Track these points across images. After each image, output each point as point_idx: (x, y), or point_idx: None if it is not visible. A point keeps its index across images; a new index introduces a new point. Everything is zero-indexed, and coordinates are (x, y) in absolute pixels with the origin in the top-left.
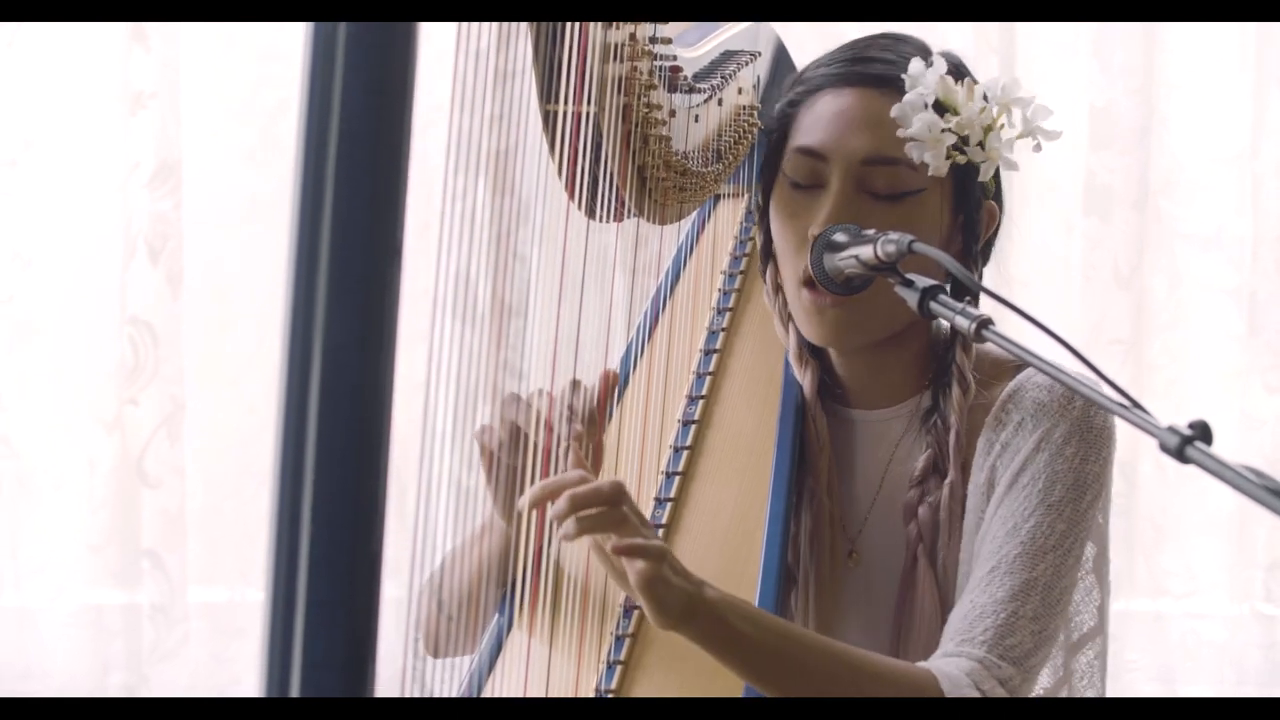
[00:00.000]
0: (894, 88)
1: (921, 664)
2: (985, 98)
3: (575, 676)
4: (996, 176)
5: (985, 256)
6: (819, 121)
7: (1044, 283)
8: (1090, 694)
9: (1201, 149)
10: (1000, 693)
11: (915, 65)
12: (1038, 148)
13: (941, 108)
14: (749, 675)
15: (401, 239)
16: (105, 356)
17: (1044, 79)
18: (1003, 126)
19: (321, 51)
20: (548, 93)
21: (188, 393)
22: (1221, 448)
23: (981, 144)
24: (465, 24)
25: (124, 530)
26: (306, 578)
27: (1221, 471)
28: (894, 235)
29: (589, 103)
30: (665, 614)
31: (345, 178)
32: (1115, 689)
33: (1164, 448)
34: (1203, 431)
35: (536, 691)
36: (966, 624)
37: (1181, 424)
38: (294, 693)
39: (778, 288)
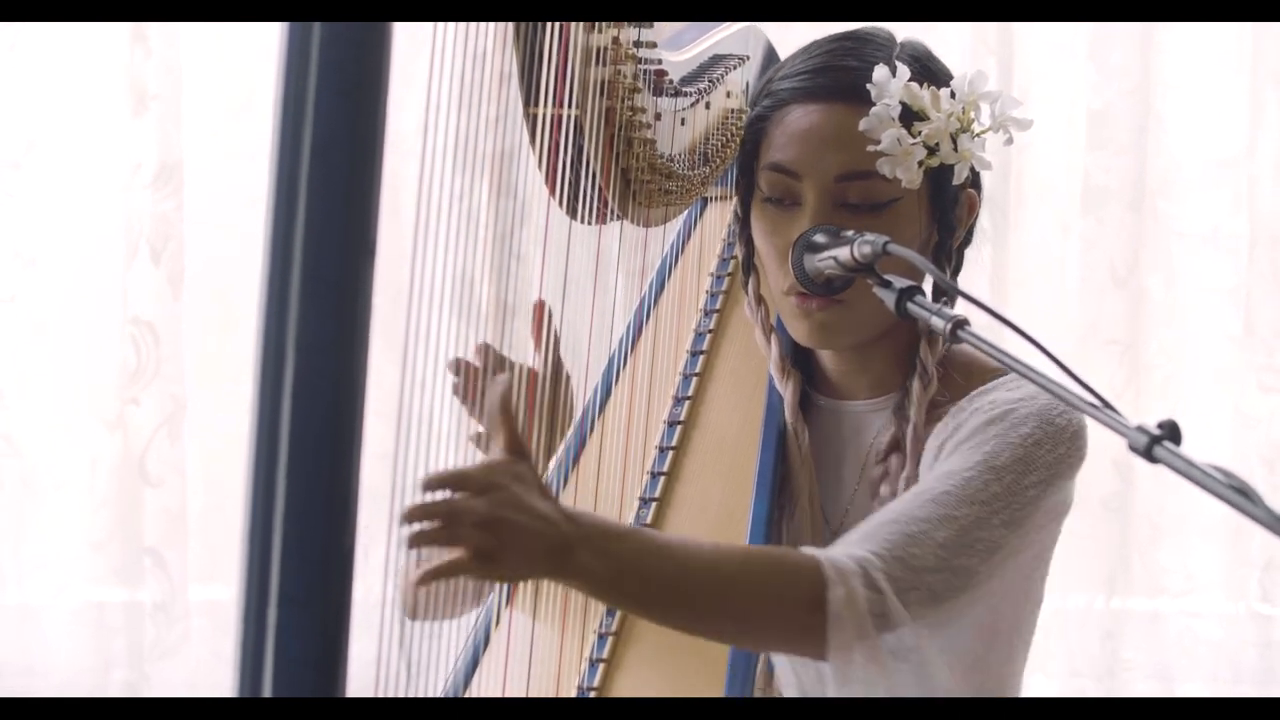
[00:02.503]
0: (861, 98)
1: (809, 549)
2: (953, 95)
3: (557, 674)
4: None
5: (968, 241)
6: (789, 139)
7: (1041, 283)
8: None
9: (1198, 149)
10: (888, 590)
11: (880, 73)
12: (1009, 141)
13: (910, 114)
14: (626, 609)
15: (375, 239)
16: (107, 356)
17: (1041, 80)
18: (973, 122)
19: (295, 52)
20: (531, 96)
21: (189, 392)
22: (1217, 447)
23: (954, 145)
24: (469, 24)
25: (125, 528)
26: (279, 575)
27: (1189, 471)
28: (870, 237)
29: (572, 106)
30: (530, 575)
31: (319, 178)
32: (1112, 688)
33: (1132, 447)
34: (1171, 431)
35: (518, 690)
36: (873, 525)
37: (1150, 423)
38: (267, 687)
39: (760, 299)
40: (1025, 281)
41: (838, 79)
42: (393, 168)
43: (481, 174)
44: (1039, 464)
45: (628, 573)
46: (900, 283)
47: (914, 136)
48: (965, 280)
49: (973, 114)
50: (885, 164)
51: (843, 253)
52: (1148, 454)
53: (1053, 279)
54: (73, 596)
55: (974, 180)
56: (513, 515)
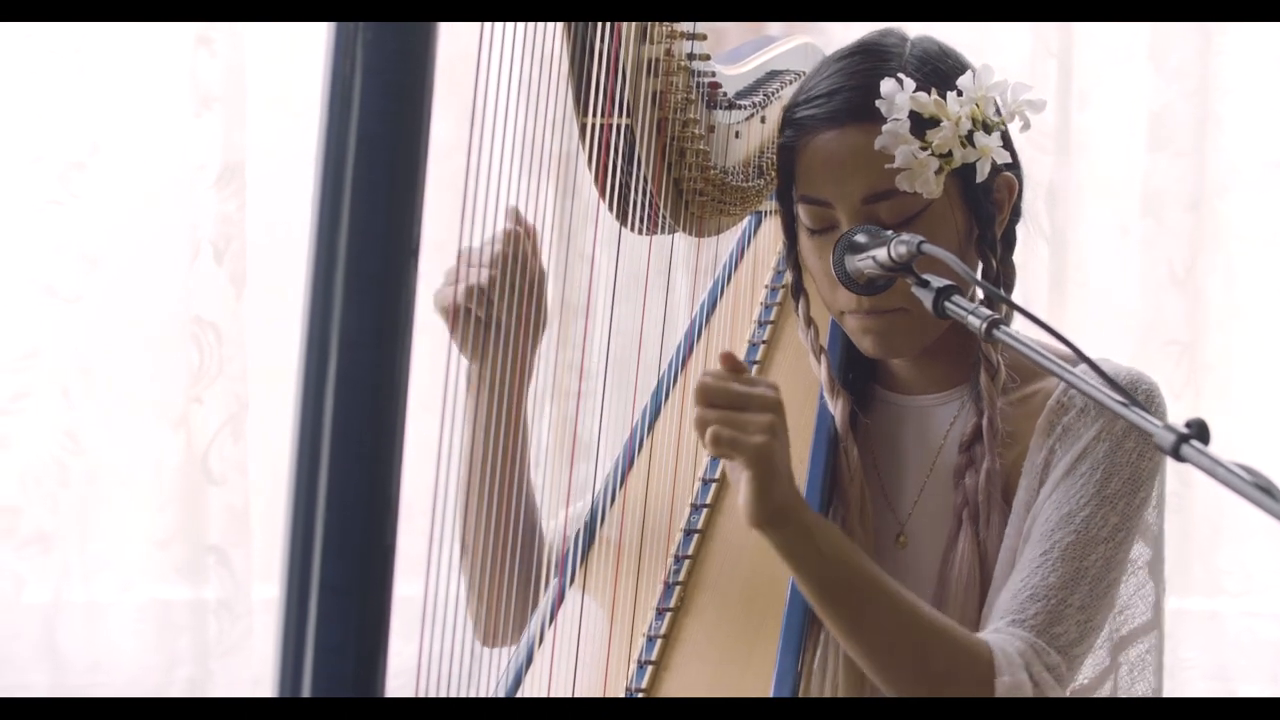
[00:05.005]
0: (875, 115)
1: (983, 635)
2: (960, 94)
3: (604, 676)
4: (1008, 145)
5: (1016, 218)
6: (813, 170)
7: (1100, 283)
8: (1141, 686)
9: (1257, 151)
10: (1048, 679)
11: (887, 86)
12: (1025, 127)
13: (923, 121)
14: (815, 598)
15: (419, 239)
16: (170, 356)
17: (1101, 82)
18: (986, 118)
19: (341, 53)
20: (582, 105)
21: (251, 391)
22: (1277, 448)
23: (971, 144)
24: (534, 24)
25: (190, 527)
26: (320, 566)
27: (1215, 470)
28: (906, 237)
29: (624, 115)
30: (760, 510)
31: (363, 178)
32: (1171, 688)
33: (1160, 446)
34: (1199, 430)
35: (566, 692)
36: (1017, 604)
37: (1179, 423)
38: (307, 677)
39: (809, 321)
40: (1085, 282)
41: (850, 100)
42: (460, 167)
43: (546, 174)
44: (1145, 476)
45: (835, 548)
46: (938, 282)
47: (929, 143)
48: (1023, 280)
49: (987, 110)
50: (903, 179)
51: (881, 253)
52: (1175, 452)
53: (1112, 280)
54: (137, 594)
55: (1009, 165)
56: (784, 437)
